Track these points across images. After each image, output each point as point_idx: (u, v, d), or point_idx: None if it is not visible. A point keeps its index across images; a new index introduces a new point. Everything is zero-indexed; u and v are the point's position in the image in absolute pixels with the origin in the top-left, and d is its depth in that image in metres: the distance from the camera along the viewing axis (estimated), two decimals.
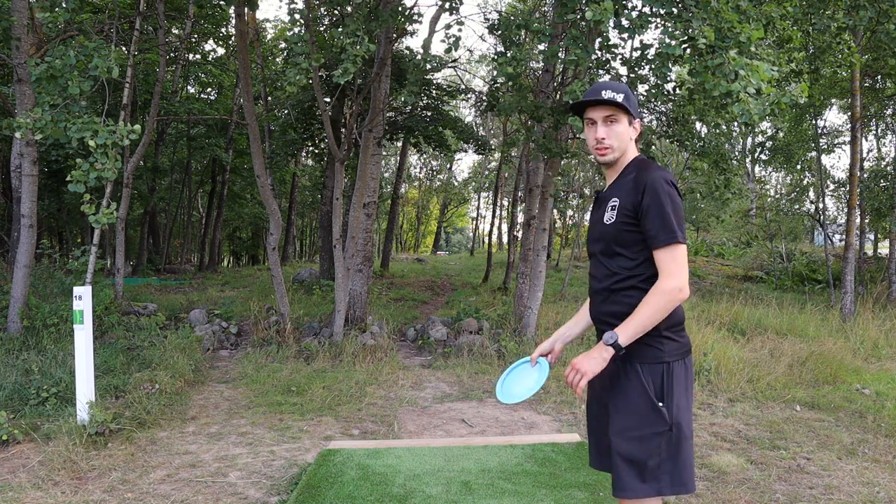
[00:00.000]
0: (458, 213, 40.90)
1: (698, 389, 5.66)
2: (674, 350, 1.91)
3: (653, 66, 5.34)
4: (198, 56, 16.98)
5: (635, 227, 1.90)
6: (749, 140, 21.60)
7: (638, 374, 1.90)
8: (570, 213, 23.22)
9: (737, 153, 19.80)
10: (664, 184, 1.86)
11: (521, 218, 13.37)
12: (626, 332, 1.83)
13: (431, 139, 13.65)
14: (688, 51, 4.80)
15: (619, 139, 1.97)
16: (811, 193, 18.23)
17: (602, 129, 1.96)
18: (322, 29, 11.05)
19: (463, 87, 14.63)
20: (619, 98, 1.92)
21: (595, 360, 1.84)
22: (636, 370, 1.90)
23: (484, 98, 13.59)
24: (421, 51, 8.50)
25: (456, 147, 18.38)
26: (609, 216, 1.96)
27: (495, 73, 6.58)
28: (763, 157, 17.20)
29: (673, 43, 4.77)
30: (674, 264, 1.83)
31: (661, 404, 1.87)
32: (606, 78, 7.65)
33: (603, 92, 1.93)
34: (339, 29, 5.90)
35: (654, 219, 1.84)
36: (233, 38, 14.14)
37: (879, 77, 12.80)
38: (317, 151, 14.63)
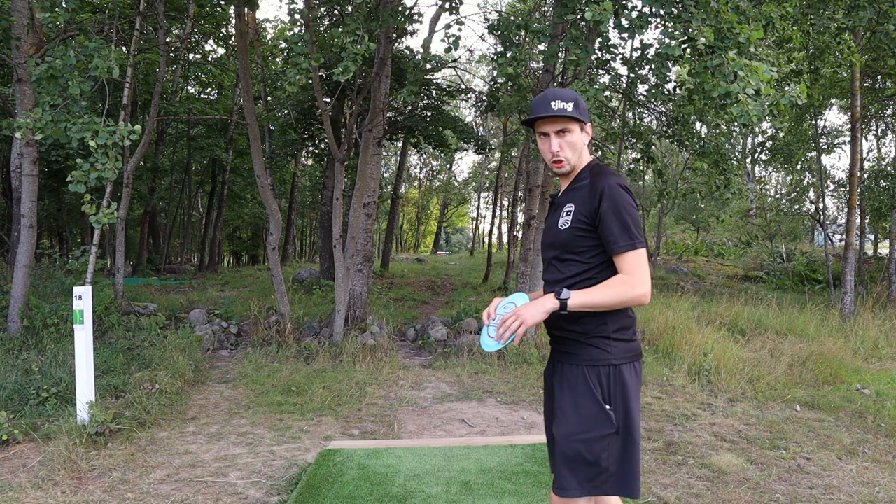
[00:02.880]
0: (458, 213, 40.92)
1: (698, 389, 5.66)
2: (622, 353, 1.88)
3: (653, 67, 5.35)
4: (198, 56, 16.97)
5: (590, 233, 1.88)
6: (749, 140, 21.61)
7: (585, 377, 1.87)
8: None
9: (737, 153, 19.80)
10: (620, 190, 1.85)
11: (521, 218, 13.38)
12: (579, 297, 1.80)
13: (431, 139, 13.65)
14: (687, 51, 4.81)
15: (573, 149, 1.94)
16: (811, 193, 18.21)
17: (555, 141, 1.93)
18: (322, 29, 11.05)
19: (463, 87, 14.63)
20: (569, 108, 1.88)
21: (537, 310, 1.81)
22: (583, 372, 1.88)
23: (484, 98, 13.59)
24: (421, 51, 8.50)
25: (456, 147, 18.39)
26: (564, 221, 1.94)
27: (495, 73, 6.58)
28: (763, 157, 17.21)
29: (673, 43, 4.77)
30: (636, 268, 1.82)
31: (608, 407, 1.84)
32: (606, 79, 7.66)
33: (552, 103, 1.89)
34: (339, 28, 5.90)
35: (612, 225, 1.83)
36: (233, 38, 14.13)
37: (879, 77, 12.80)
38: (317, 151, 14.64)
